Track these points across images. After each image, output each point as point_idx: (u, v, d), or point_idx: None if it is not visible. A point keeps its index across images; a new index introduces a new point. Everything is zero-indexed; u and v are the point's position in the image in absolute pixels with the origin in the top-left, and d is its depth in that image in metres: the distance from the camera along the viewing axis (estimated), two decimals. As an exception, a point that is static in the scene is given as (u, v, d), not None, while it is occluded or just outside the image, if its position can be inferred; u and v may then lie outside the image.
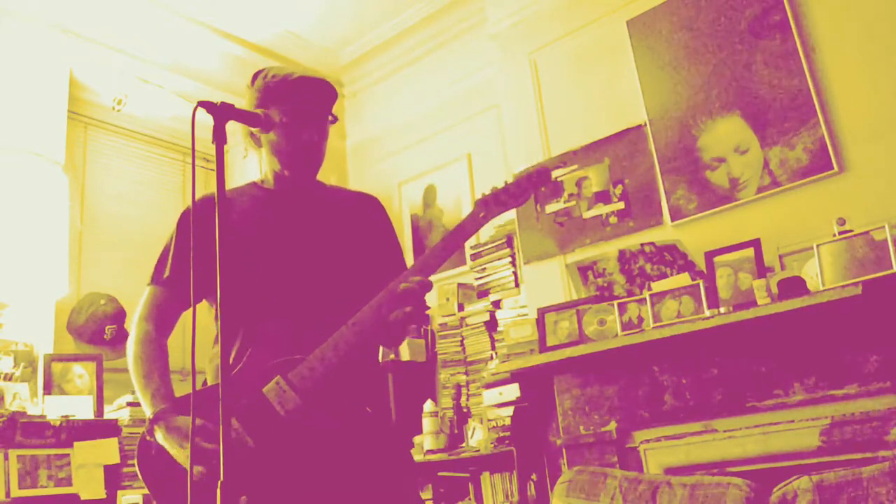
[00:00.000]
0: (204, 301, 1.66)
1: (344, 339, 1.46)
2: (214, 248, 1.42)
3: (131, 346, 1.62)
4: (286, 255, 1.62)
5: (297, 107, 1.63)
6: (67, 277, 3.28)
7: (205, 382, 1.64)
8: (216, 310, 1.62)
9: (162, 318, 1.66)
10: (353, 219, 1.73)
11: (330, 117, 1.71)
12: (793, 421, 2.52)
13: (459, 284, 4.01)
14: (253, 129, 1.66)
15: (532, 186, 1.60)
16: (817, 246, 2.49)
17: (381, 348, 2.54)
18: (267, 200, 1.71)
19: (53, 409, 2.93)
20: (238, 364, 1.55)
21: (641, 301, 2.84)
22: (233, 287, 1.48)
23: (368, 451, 1.53)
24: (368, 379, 1.63)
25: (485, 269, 3.84)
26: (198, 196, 1.73)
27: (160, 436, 1.46)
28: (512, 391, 3.36)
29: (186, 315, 1.60)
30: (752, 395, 2.60)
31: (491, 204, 1.58)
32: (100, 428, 2.96)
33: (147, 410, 1.51)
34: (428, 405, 3.65)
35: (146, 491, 2.93)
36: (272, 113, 1.62)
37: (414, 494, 1.69)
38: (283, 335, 1.53)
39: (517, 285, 3.70)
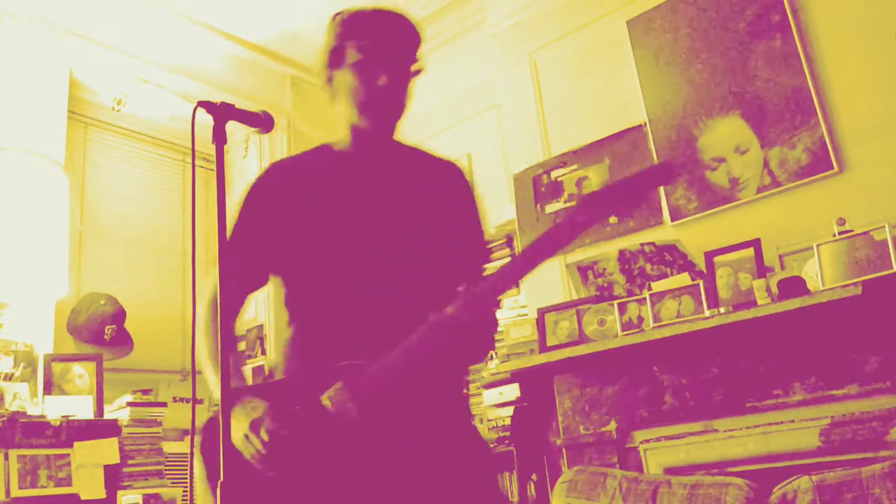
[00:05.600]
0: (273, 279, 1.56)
1: (412, 350, 1.29)
2: (283, 221, 1.36)
3: (199, 328, 1.49)
4: (362, 233, 1.46)
5: (371, 43, 1.45)
6: (67, 277, 3.28)
7: (272, 374, 1.52)
8: (284, 291, 1.51)
9: (227, 303, 1.52)
10: (435, 190, 1.54)
11: (414, 65, 1.50)
12: (793, 421, 2.52)
13: (459, 284, 4.00)
14: (332, 72, 1.50)
15: (652, 184, 1.34)
16: (817, 246, 2.49)
17: None
18: (341, 165, 1.54)
19: (53, 409, 2.93)
20: (299, 360, 1.45)
21: (641, 301, 2.84)
22: (303, 265, 1.41)
23: (442, 482, 1.33)
24: (444, 396, 1.45)
25: (485, 269, 3.83)
26: (267, 163, 1.63)
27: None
28: (512, 391, 3.36)
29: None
30: (752, 395, 2.60)
31: (597, 205, 1.30)
32: (100, 428, 2.96)
33: (217, 391, 1.40)
34: (428, 405, 3.65)
35: (146, 491, 2.95)
36: (349, 51, 1.46)
37: None
38: (353, 329, 1.39)
39: (517, 285, 3.70)
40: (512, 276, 1.33)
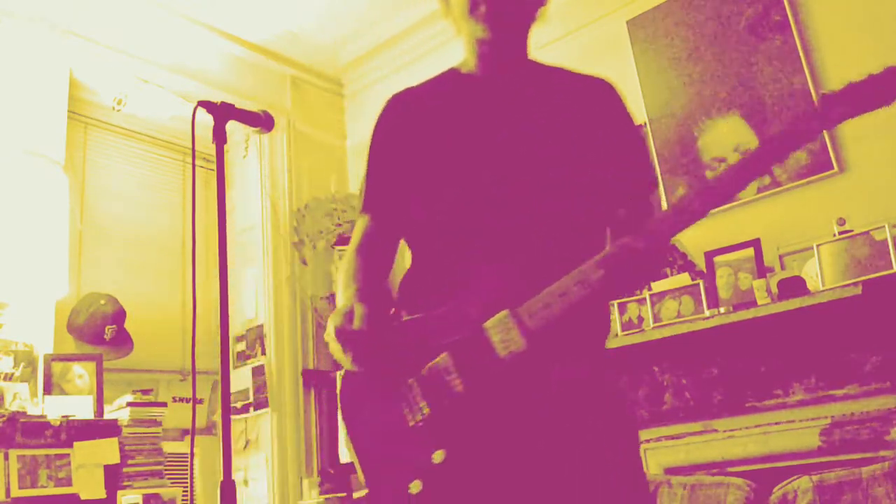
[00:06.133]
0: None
1: (588, 276, 1.13)
2: (410, 166, 1.27)
3: (342, 266, 1.40)
4: (502, 162, 1.30)
5: None
6: (67, 277, 3.28)
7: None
8: (410, 230, 1.41)
9: (370, 248, 1.42)
10: (579, 110, 1.38)
11: None
12: (793, 421, 2.52)
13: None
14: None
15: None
16: (817, 246, 2.49)
17: None
18: (467, 88, 1.40)
19: (53, 409, 2.93)
20: (445, 297, 1.27)
21: (641, 301, 2.84)
22: (430, 201, 1.32)
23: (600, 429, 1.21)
24: (595, 333, 1.31)
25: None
26: (396, 90, 1.47)
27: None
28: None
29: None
30: (752, 395, 2.60)
31: (853, 95, 1.13)
32: (100, 428, 2.96)
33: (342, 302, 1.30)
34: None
35: (146, 491, 2.95)
36: None
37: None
38: (504, 266, 1.22)
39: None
40: (721, 190, 1.19)
